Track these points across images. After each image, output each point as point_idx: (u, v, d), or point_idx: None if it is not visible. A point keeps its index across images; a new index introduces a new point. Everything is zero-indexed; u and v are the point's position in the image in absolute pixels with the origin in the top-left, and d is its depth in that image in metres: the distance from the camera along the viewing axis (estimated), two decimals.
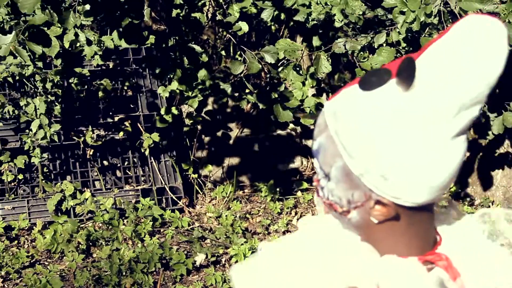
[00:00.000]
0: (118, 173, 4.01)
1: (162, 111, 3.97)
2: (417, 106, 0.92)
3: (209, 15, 4.41)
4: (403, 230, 1.01)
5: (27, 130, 3.70)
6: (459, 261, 1.03)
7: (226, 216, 3.69)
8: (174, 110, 3.99)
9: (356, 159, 0.93)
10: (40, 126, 3.64)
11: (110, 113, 4.04)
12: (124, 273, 3.16)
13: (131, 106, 4.14)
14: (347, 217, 0.99)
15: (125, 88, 4.17)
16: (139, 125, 4.01)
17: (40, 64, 3.64)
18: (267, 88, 3.89)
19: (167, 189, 3.87)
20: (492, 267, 1.06)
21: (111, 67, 4.15)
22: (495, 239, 1.11)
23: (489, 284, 1.04)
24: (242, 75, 3.79)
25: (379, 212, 0.96)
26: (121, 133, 3.96)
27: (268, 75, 4.13)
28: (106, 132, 3.98)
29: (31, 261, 3.30)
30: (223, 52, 4.39)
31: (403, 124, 0.92)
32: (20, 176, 3.79)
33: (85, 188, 3.83)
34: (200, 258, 3.29)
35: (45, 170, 3.84)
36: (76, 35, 3.57)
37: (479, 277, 1.04)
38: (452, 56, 0.92)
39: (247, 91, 3.87)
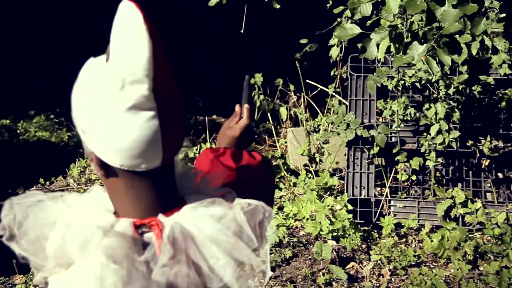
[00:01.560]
0: None
1: None
2: (102, 76, 1.10)
3: None
4: (124, 191, 1.20)
5: (425, 133, 3.80)
6: (180, 230, 1.20)
7: None
8: None
9: (75, 116, 1.13)
10: (439, 131, 3.69)
11: (511, 125, 3.86)
12: None
13: None
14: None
15: None
16: None
17: (446, 70, 3.69)
18: None
19: None
20: (208, 242, 1.20)
21: None
22: (223, 222, 1.23)
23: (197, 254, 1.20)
24: None
25: (94, 166, 1.17)
26: None
27: None
28: (504, 144, 3.82)
29: (417, 261, 3.39)
30: None
31: (94, 90, 1.10)
32: (414, 177, 3.92)
33: (476, 198, 3.75)
34: None
35: (437, 174, 3.89)
36: (482, 41, 3.50)
37: (194, 247, 1.20)
38: (113, 35, 1.08)
39: None
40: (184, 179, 1.39)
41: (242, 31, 3.95)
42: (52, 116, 5.43)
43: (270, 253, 3.34)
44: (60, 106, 5.56)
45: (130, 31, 1.10)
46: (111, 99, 1.11)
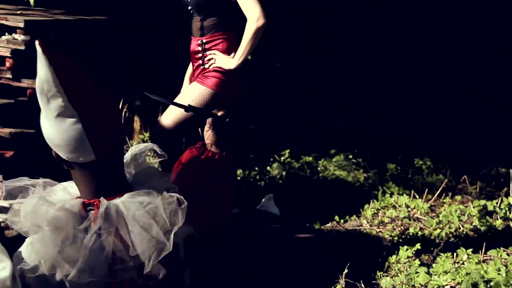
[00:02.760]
0: None
1: None
2: (38, 96, 1.70)
3: None
4: (78, 179, 1.77)
5: None
6: (115, 210, 1.70)
7: None
8: None
9: None
10: None
11: None
12: None
13: None
14: None
15: None
16: None
17: None
18: None
19: None
20: (132, 220, 1.67)
21: None
22: (147, 208, 1.70)
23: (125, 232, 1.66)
24: None
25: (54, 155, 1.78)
26: None
27: None
28: None
29: None
30: None
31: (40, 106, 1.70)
32: None
33: None
34: None
35: None
36: None
37: (123, 226, 1.66)
38: None
39: None
40: (141, 175, 1.91)
41: None
42: (351, 156, 5.64)
43: None
44: (358, 147, 5.76)
45: (38, 62, 1.63)
46: (46, 110, 1.68)
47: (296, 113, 6.25)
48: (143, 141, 5.62)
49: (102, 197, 1.73)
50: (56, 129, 1.66)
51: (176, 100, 3.23)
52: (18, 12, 3.70)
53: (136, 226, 1.67)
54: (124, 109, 5.75)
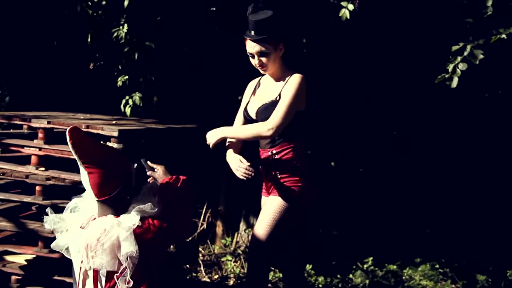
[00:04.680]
0: None
1: None
2: None
3: None
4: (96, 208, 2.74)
5: None
6: (97, 221, 2.69)
7: None
8: None
9: None
10: None
11: None
12: None
13: None
14: None
15: None
16: None
17: None
18: None
19: None
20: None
21: None
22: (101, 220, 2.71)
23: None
24: None
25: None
26: None
27: None
28: None
29: None
30: None
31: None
32: None
33: None
34: None
35: None
36: None
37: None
38: None
39: None
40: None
41: None
42: (437, 266, 5.42)
43: None
44: (446, 256, 5.54)
45: None
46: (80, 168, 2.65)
47: (380, 219, 6.14)
48: (225, 246, 5.66)
49: (94, 216, 2.73)
50: (82, 176, 2.66)
51: (260, 216, 3.30)
52: (113, 122, 3.95)
53: (99, 231, 2.66)
54: (208, 214, 5.86)
